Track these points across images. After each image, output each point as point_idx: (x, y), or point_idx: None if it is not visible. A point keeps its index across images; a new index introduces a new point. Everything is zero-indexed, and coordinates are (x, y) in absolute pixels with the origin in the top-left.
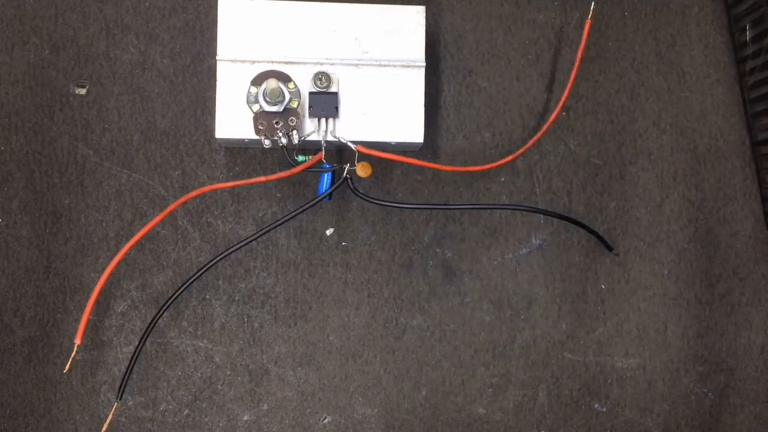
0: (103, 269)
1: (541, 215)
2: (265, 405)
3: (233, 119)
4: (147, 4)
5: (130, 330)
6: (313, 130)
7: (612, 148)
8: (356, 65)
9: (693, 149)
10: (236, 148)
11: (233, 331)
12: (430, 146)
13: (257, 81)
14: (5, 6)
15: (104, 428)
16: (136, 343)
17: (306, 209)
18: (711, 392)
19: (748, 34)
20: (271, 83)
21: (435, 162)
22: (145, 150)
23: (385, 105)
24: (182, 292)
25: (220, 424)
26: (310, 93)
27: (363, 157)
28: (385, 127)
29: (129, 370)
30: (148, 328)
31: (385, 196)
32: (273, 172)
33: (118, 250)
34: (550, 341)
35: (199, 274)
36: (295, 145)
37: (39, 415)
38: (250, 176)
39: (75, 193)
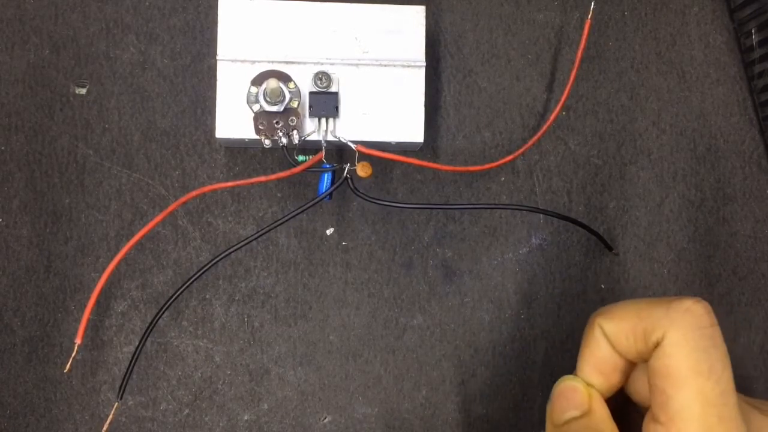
0: (104, 269)
1: (541, 215)
2: (266, 404)
3: (233, 119)
4: (147, 3)
5: (130, 330)
6: (313, 129)
7: (612, 148)
8: (356, 65)
9: (693, 149)
10: (236, 148)
11: (233, 330)
12: (430, 146)
13: (257, 81)
14: (5, 6)
15: (105, 428)
16: (137, 343)
17: (306, 209)
18: None
19: (754, 38)
20: (272, 83)
21: (435, 162)
22: (146, 150)
23: (385, 105)
24: (182, 291)
25: (221, 424)
26: (310, 93)
27: (363, 157)
28: (385, 126)
29: (129, 369)
30: (148, 327)
31: (385, 196)
32: (273, 172)
33: (118, 249)
34: (550, 341)
35: (199, 273)
36: (296, 144)
37: (39, 414)
38: (250, 176)
39: (75, 193)
